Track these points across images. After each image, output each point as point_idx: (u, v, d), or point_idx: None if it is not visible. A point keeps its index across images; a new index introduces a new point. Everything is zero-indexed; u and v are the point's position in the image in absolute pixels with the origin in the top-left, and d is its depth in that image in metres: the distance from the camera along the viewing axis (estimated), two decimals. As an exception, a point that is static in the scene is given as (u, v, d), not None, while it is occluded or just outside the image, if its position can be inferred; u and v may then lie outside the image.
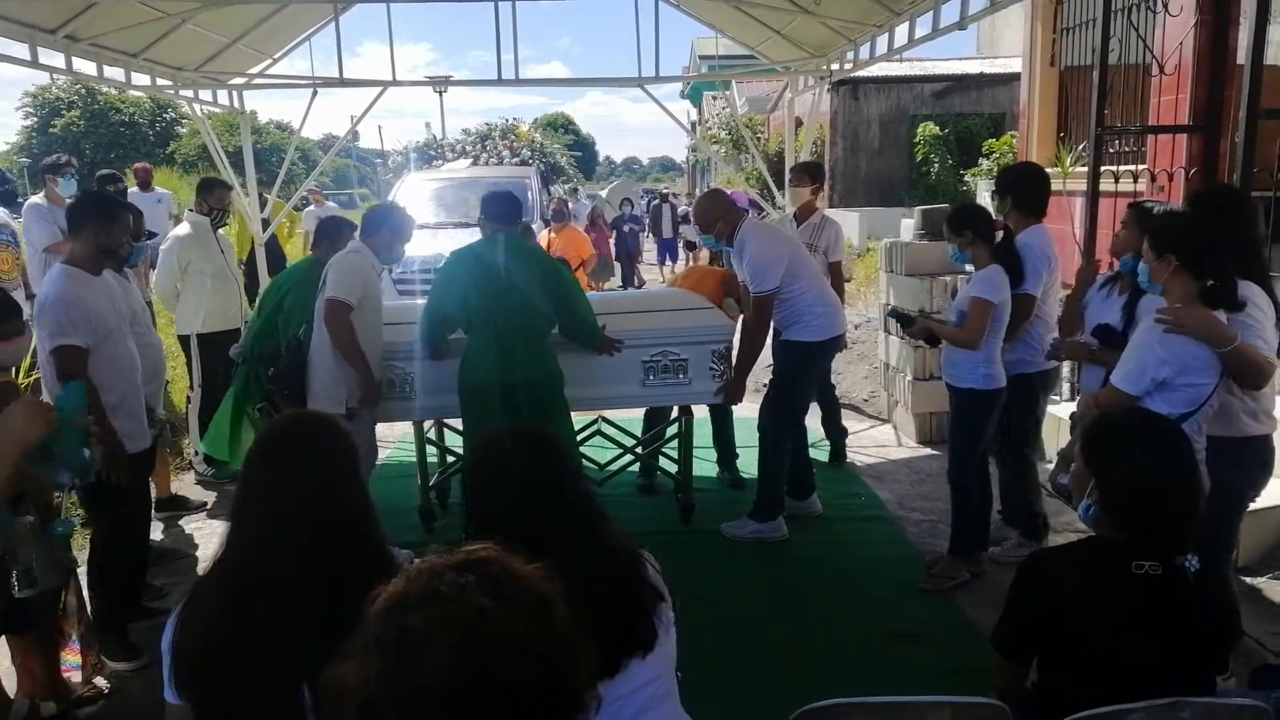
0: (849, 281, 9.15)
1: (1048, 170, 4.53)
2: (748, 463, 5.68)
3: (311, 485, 1.73)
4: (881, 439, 6.52)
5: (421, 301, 4.72)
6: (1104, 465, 1.97)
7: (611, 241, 14.82)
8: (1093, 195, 5.46)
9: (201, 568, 4.50)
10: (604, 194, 21.36)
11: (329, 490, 1.75)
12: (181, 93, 7.41)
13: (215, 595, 1.72)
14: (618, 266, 14.94)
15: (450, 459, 5.31)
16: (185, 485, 5.73)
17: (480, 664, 1.05)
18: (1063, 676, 1.93)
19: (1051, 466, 3.37)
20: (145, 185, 9.80)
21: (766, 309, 4.57)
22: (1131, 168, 6.33)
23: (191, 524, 5.17)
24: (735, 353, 4.69)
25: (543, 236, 8.65)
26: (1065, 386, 4.42)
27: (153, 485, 5.14)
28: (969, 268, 4.84)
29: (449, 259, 4.38)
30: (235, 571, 1.73)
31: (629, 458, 5.31)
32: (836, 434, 5.94)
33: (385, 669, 1.07)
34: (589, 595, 1.44)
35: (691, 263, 13.98)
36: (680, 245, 16.28)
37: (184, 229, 5.68)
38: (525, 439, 1.91)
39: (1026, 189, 4.21)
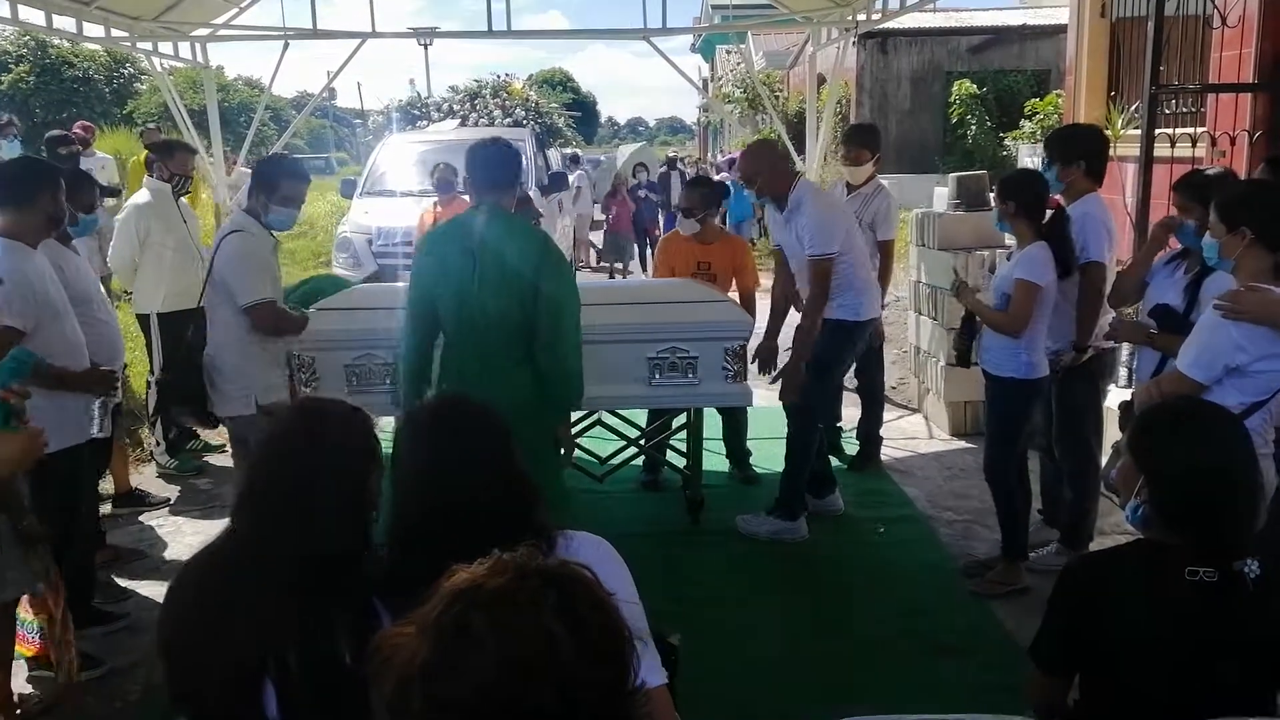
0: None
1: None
2: (762, 459, 5.70)
3: (315, 472, 1.84)
4: (911, 430, 6.52)
5: (403, 283, 4.68)
6: (1153, 460, 1.96)
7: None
8: (1146, 161, 5.44)
9: (167, 570, 4.53)
10: (611, 158, 20.93)
11: (321, 480, 1.84)
12: (139, 45, 7.40)
13: (200, 571, 1.85)
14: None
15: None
16: (146, 479, 5.75)
17: (520, 690, 1.06)
18: (1107, 694, 1.93)
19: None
20: (84, 145, 9.67)
21: (828, 276, 4.51)
22: (1190, 130, 6.28)
23: (154, 520, 5.20)
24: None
25: (426, 213, 7.51)
26: (1123, 372, 4.34)
27: (110, 479, 5.21)
28: (1009, 240, 4.84)
29: (423, 241, 3.93)
30: (224, 550, 1.85)
31: (632, 450, 5.31)
32: (868, 440, 5.77)
33: (430, 661, 1.08)
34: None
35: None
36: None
37: (142, 197, 5.68)
38: (448, 413, 1.98)
39: (1098, 151, 4.18)
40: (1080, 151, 4.16)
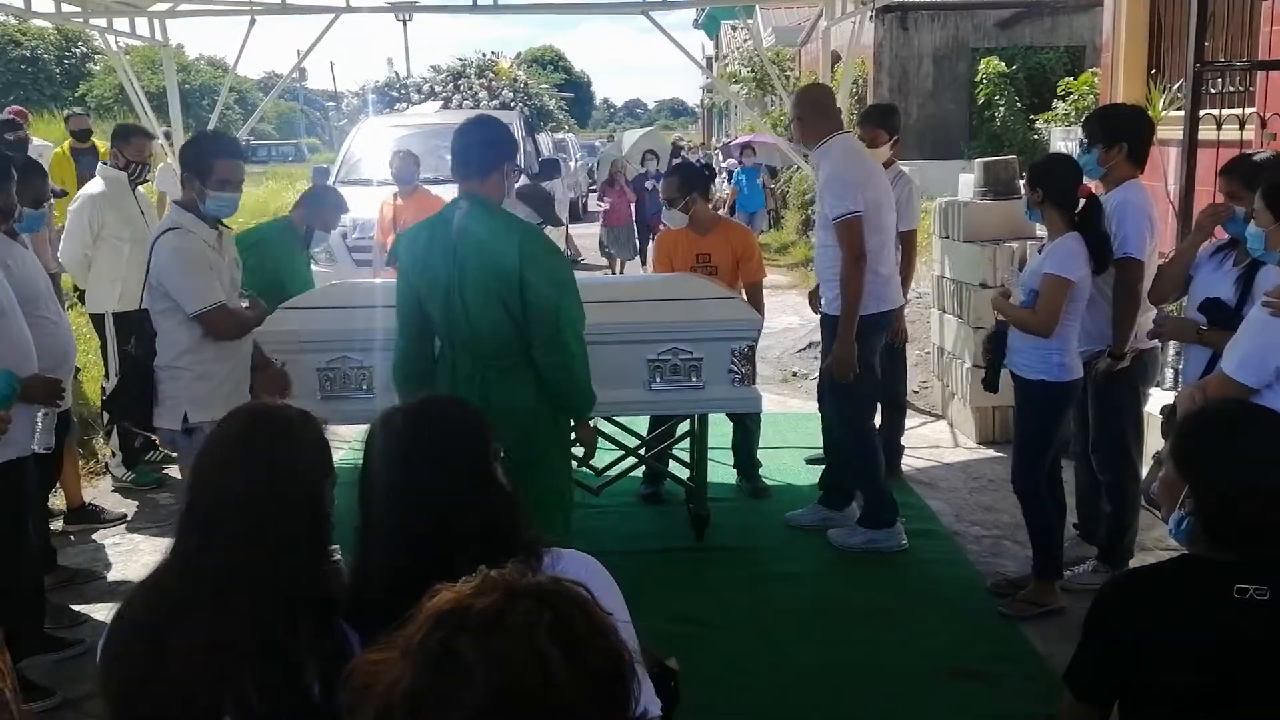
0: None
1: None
2: (773, 470, 5.71)
3: (263, 485, 1.82)
4: (934, 438, 6.53)
5: (380, 279, 4.68)
6: (1198, 469, 1.97)
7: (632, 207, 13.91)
8: (1190, 144, 5.45)
9: (124, 592, 4.52)
10: (613, 145, 20.72)
11: (275, 489, 1.84)
12: (92, 22, 7.41)
13: (145, 599, 1.84)
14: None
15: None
16: (101, 493, 5.76)
17: (520, 710, 1.06)
18: (1150, 723, 1.93)
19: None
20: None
21: (856, 234, 4.45)
22: (1237, 111, 6.29)
23: (109, 538, 5.20)
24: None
25: (386, 204, 7.48)
26: (1168, 374, 4.27)
27: (60, 493, 5.21)
28: (1040, 230, 4.85)
29: (399, 238, 3.85)
30: (171, 572, 1.83)
31: (631, 461, 5.31)
32: (889, 449, 5.58)
33: (414, 688, 1.08)
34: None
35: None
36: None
37: (96, 186, 5.68)
38: (425, 415, 1.96)
39: (1143, 134, 4.18)
40: (1125, 133, 4.13)
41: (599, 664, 1.11)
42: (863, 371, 4.67)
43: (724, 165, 17.26)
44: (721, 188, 16.03)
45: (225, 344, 3.92)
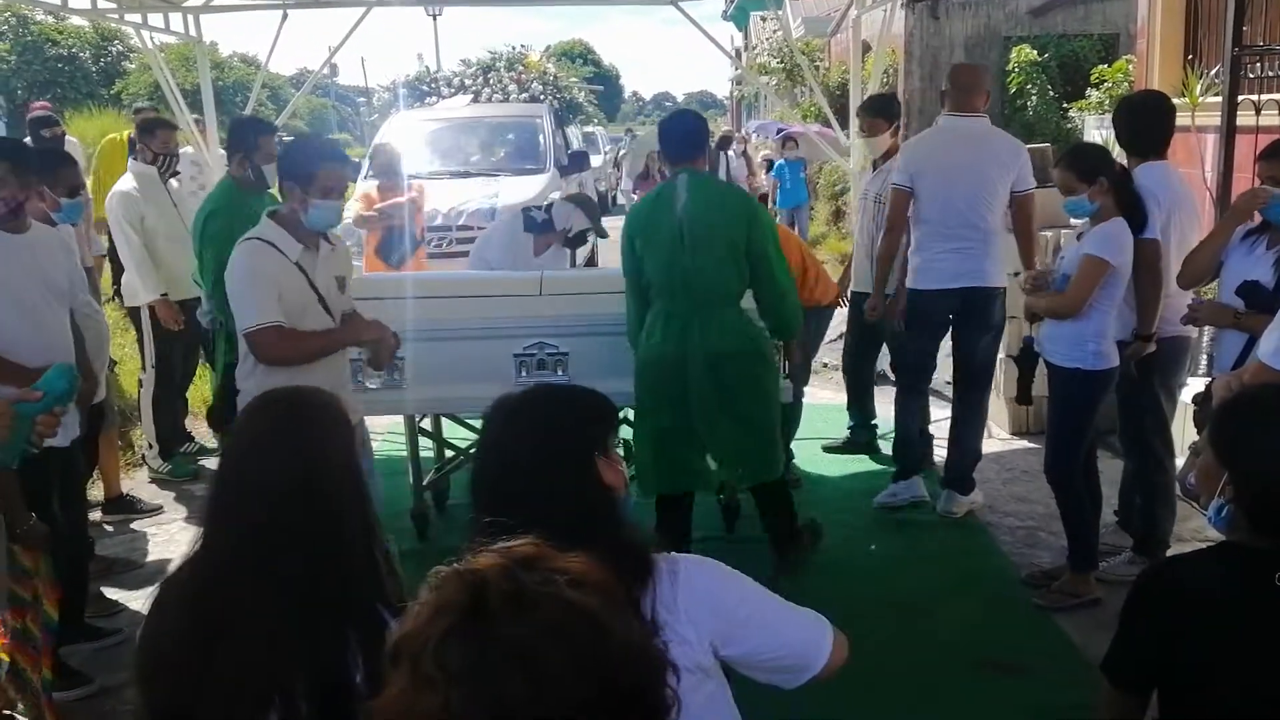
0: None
1: (1173, 101, 4.48)
2: (806, 460, 5.68)
3: (287, 476, 1.79)
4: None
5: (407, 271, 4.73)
6: (1238, 454, 1.93)
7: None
8: (1228, 130, 5.37)
9: (160, 579, 4.57)
10: (647, 134, 20.41)
11: (309, 483, 1.80)
12: (127, 18, 7.48)
13: (181, 597, 1.80)
14: None
15: (449, 453, 5.35)
16: (138, 484, 5.82)
17: (602, 673, 1.05)
18: (1189, 713, 1.90)
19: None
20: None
21: (893, 207, 4.98)
22: (1277, 96, 6.19)
23: (146, 528, 5.26)
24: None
25: (362, 196, 7.34)
26: (1203, 359, 4.21)
27: (99, 482, 5.28)
28: (1075, 222, 4.79)
29: (628, 213, 4.35)
30: (210, 569, 1.80)
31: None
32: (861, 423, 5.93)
33: (484, 696, 1.04)
34: None
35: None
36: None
37: (127, 183, 5.71)
38: (544, 399, 1.92)
39: (1136, 123, 4.20)
40: (1120, 122, 4.31)
41: (609, 591, 1.13)
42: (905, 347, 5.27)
43: (762, 155, 16.71)
44: (759, 180, 15.47)
45: (300, 370, 3.35)
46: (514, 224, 5.68)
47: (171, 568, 1.97)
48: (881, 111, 5.68)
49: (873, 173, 5.82)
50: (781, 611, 1.93)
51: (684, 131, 4.14)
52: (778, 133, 16.30)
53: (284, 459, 1.80)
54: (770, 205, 14.02)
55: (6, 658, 3.16)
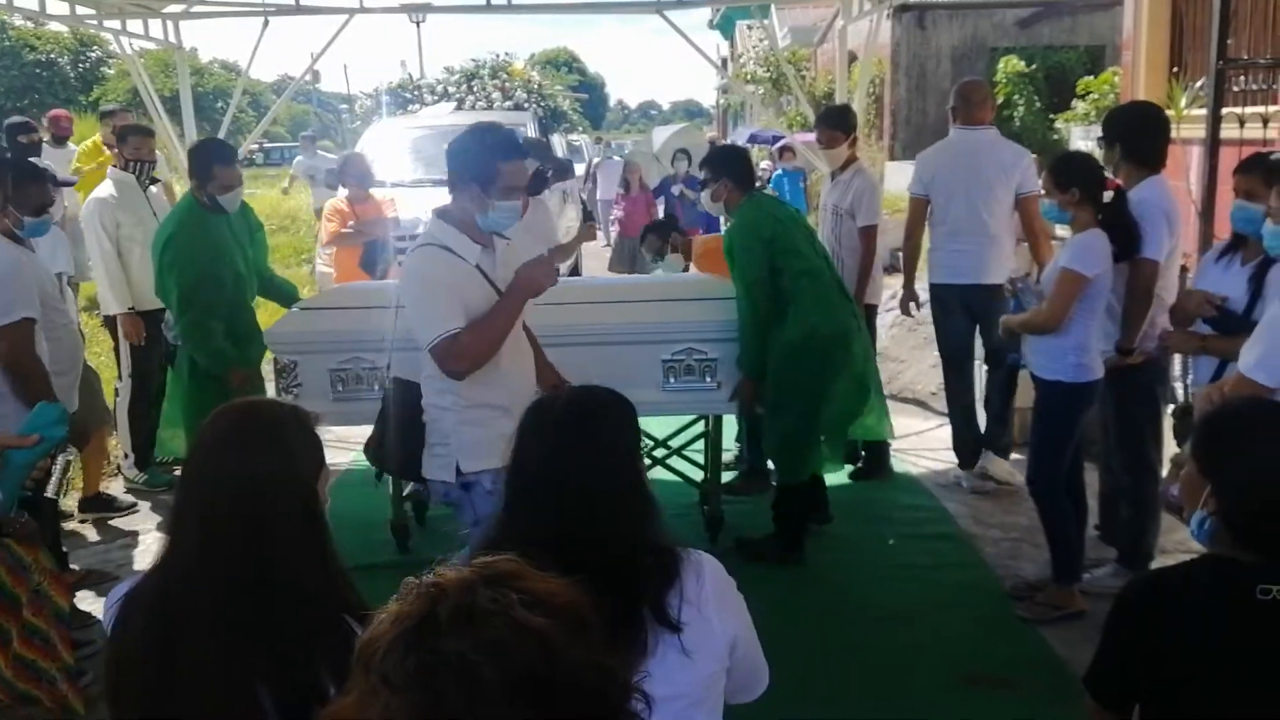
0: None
1: (1157, 113, 4.50)
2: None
3: (240, 489, 1.81)
4: (951, 440, 6.48)
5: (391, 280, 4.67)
6: (1220, 466, 1.95)
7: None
8: (1212, 143, 5.41)
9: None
10: (636, 146, 20.02)
11: (274, 488, 1.83)
12: (106, 24, 7.46)
13: (144, 606, 1.82)
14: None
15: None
16: (114, 492, 5.78)
17: (539, 697, 1.06)
18: (1171, 727, 1.91)
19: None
20: (60, 140, 9.59)
21: (914, 219, 5.63)
22: (1261, 109, 6.25)
23: (119, 539, 5.23)
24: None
25: (333, 210, 7.05)
26: (1178, 388, 4.19)
27: (80, 480, 5.27)
28: (1060, 230, 4.83)
29: (747, 231, 4.54)
30: (168, 579, 1.82)
31: (646, 462, 5.30)
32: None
33: (420, 710, 1.05)
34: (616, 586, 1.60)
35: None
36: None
37: (105, 189, 5.69)
38: (586, 400, 1.96)
39: (1139, 133, 4.20)
40: (1113, 130, 4.26)
41: (573, 615, 1.14)
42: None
43: (762, 166, 16.49)
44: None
45: (492, 374, 3.19)
46: None
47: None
48: (838, 124, 5.75)
49: (831, 184, 5.85)
50: (755, 638, 2.01)
51: (739, 163, 4.80)
52: (773, 140, 16.20)
53: (230, 467, 1.83)
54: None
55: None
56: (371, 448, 3.80)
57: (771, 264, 4.44)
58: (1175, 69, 8.55)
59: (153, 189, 5.88)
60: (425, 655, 1.06)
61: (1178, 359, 4.21)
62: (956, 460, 5.71)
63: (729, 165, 4.76)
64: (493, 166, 3.13)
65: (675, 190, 12.44)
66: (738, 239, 4.56)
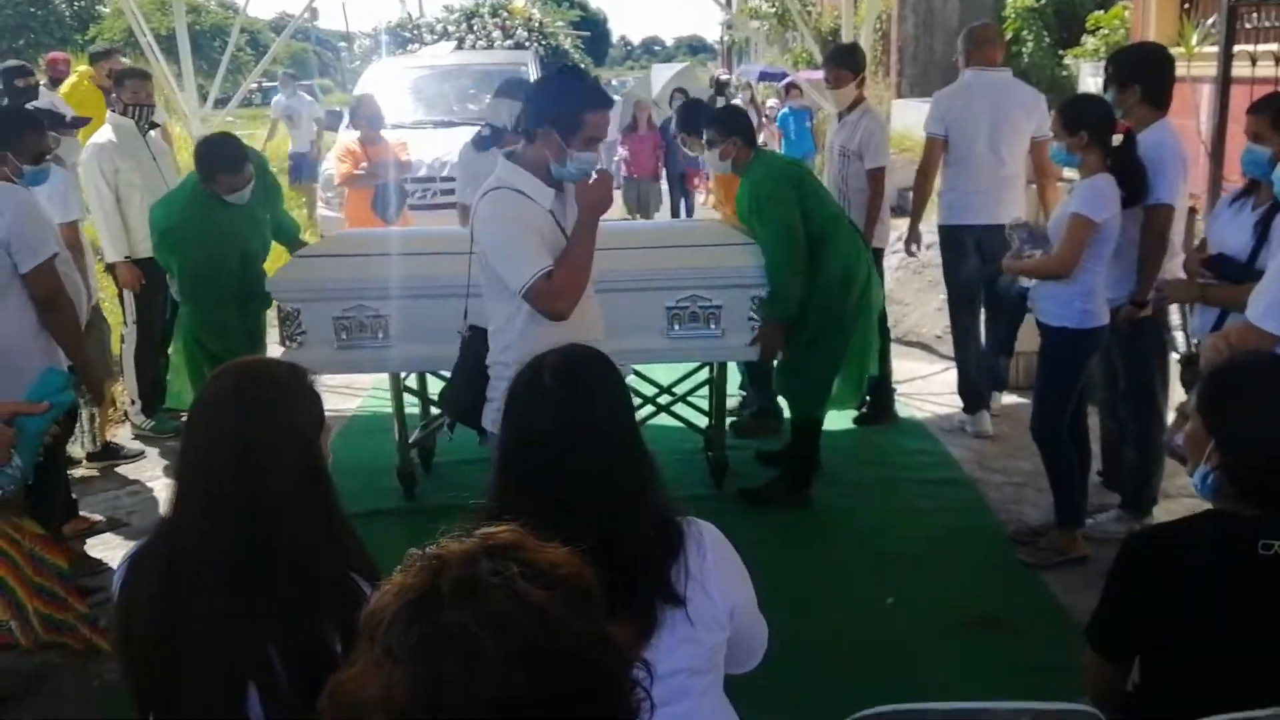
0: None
1: (1170, 51, 4.44)
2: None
3: (244, 449, 1.80)
4: (954, 384, 6.49)
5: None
6: (1225, 421, 1.95)
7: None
8: (1224, 81, 5.36)
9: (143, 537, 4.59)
10: (638, 82, 19.51)
11: (276, 448, 1.83)
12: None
13: (152, 569, 1.83)
14: (665, 193, 12.30)
15: (435, 411, 5.35)
16: (121, 441, 5.81)
17: (539, 670, 1.07)
18: (1171, 679, 1.93)
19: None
20: (57, 82, 9.42)
21: (931, 158, 5.55)
22: (1273, 47, 6.16)
23: (127, 487, 5.27)
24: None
25: (346, 151, 7.07)
26: (1178, 336, 4.11)
27: (80, 441, 5.29)
28: (1067, 173, 4.78)
29: (776, 179, 4.57)
30: (174, 541, 1.83)
31: (650, 409, 5.32)
32: (878, 390, 5.67)
33: (421, 683, 1.06)
34: (619, 561, 1.59)
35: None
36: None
37: (105, 134, 5.63)
38: (573, 365, 1.93)
39: (1157, 75, 4.12)
40: (1140, 74, 4.11)
41: (575, 589, 1.14)
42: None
43: (769, 105, 16.03)
44: (770, 129, 14.67)
45: (556, 332, 2.99)
46: (468, 154, 5.52)
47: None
48: (846, 62, 5.64)
49: (838, 124, 5.78)
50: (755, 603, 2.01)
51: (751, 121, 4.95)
52: (782, 78, 15.85)
53: (231, 428, 1.82)
54: None
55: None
56: (445, 395, 3.83)
57: (801, 208, 4.50)
58: (1186, 4, 8.42)
59: (152, 134, 5.82)
60: (427, 628, 1.07)
61: (1175, 307, 4.17)
62: (961, 404, 5.70)
63: (738, 124, 4.77)
64: (579, 115, 3.02)
65: (674, 131, 12.10)
66: (767, 188, 4.54)
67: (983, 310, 5.72)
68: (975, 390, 5.63)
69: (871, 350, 4.80)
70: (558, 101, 3.07)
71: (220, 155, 4.72)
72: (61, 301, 3.85)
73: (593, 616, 1.14)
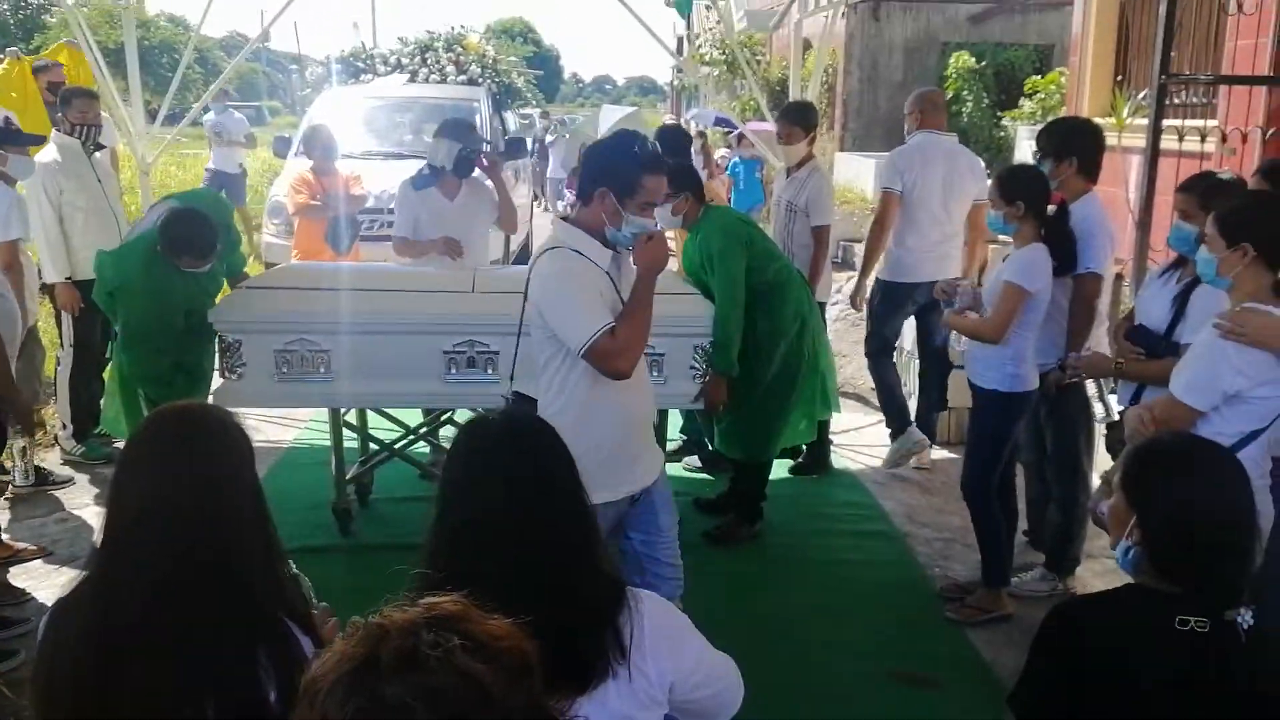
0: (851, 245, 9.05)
1: (1099, 121, 4.58)
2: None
3: (188, 495, 1.78)
4: (888, 438, 6.59)
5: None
6: (1147, 500, 2.01)
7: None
8: (1152, 154, 5.51)
9: (66, 571, 4.48)
10: (585, 120, 19.36)
11: (210, 502, 1.80)
12: (52, -19, 7.22)
13: (81, 617, 1.77)
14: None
15: (373, 446, 5.31)
16: (50, 465, 5.67)
17: None
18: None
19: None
20: None
21: (888, 212, 5.61)
22: (1200, 123, 6.39)
23: (54, 514, 5.14)
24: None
25: (300, 181, 6.97)
26: (1098, 408, 4.11)
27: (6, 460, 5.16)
28: (1003, 238, 4.91)
29: (725, 234, 4.63)
30: (107, 589, 1.78)
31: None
32: (818, 440, 5.70)
33: None
34: (560, 624, 1.59)
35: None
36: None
37: (49, 154, 5.55)
38: (517, 427, 1.92)
39: (1090, 149, 4.23)
40: (1075, 146, 4.21)
41: (514, 662, 1.16)
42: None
43: (720, 154, 15.94)
44: (720, 178, 14.58)
45: (621, 391, 3.05)
46: (405, 191, 5.40)
47: (83, 553, 1.93)
48: (799, 120, 5.75)
49: (786, 179, 5.86)
50: (716, 662, 2.01)
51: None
52: (714, 122, 15.96)
53: (175, 479, 1.79)
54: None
55: None
56: None
57: (753, 264, 4.61)
58: (1119, 77, 8.71)
59: (97, 154, 5.74)
60: (363, 700, 1.08)
61: (1090, 384, 4.22)
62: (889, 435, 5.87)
63: (691, 180, 4.87)
64: (638, 179, 3.00)
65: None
66: (719, 243, 4.61)
67: (915, 364, 5.85)
68: (901, 408, 5.80)
69: (820, 393, 4.92)
70: (616, 165, 3.04)
71: (191, 242, 4.42)
72: None
73: (531, 691, 1.16)
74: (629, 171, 3.00)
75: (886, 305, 5.71)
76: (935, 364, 5.89)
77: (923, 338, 5.89)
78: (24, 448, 3.88)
